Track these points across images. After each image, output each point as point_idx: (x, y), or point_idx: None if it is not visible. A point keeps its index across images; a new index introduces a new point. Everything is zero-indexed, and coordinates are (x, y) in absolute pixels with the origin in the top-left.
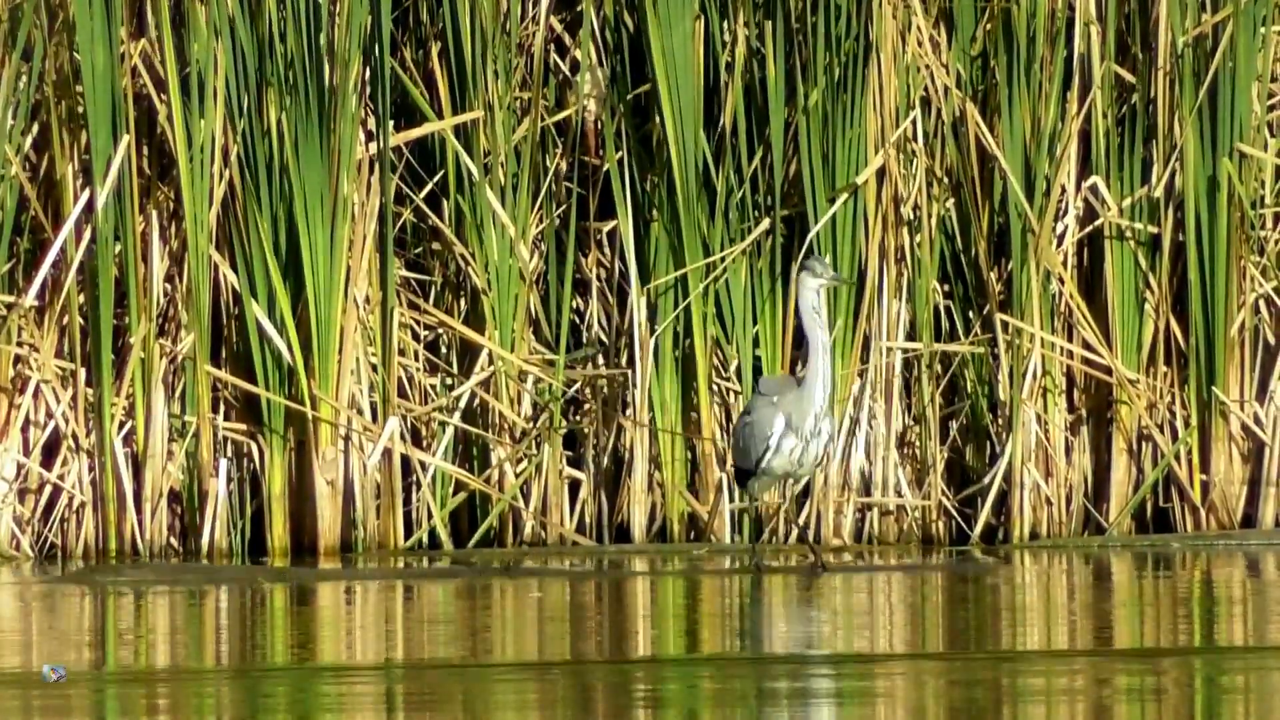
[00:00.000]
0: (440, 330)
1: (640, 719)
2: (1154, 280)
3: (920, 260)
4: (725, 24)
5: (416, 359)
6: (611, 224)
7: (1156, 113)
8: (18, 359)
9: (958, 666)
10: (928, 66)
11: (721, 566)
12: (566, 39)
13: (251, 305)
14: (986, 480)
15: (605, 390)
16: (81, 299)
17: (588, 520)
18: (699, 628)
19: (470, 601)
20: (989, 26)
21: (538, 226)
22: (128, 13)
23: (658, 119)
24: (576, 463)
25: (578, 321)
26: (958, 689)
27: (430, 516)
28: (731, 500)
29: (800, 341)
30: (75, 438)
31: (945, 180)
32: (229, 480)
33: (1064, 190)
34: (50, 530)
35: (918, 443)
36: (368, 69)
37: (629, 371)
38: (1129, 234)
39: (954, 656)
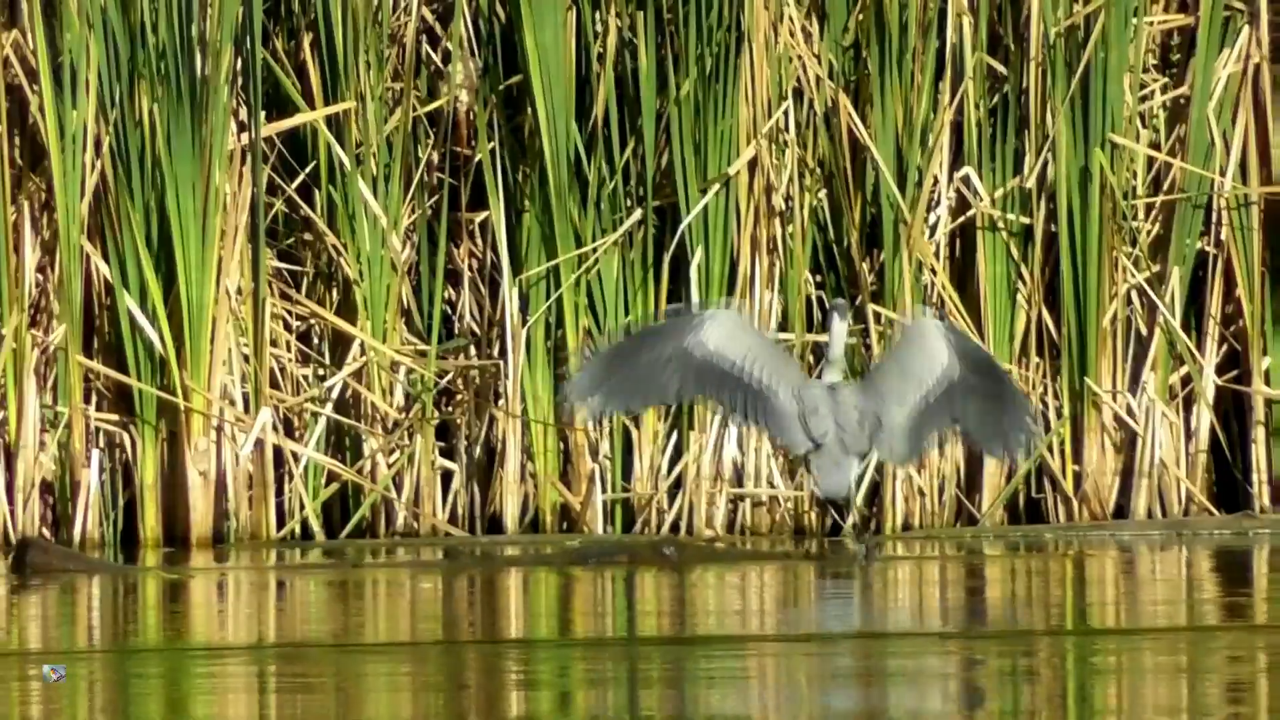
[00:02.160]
0: (312, 321)
1: (513, 700)
2: (1026, 271)
3: (792, 251)
4: (597, 15)
5: (288, 349)
6: (483, 214)
7: (1029, 103)
8: None
9: (829, 647)
10: (800, 57)
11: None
12: (438, 29)
13: (123, 296)
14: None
15: (477, 381)
16: None
17: (460, 511)
18: (572, 614)
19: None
20: (861, 17)
21: (410, 217)
22: None
23: (529, 110)
24: (449, 453)
25: (449, 312)
26: (831, 668)
27: (303, 507)
28: (604, 491)
29: None
30: None
31: (817, 171)
32: (101, 471)
33: (936, 181)
34: None
35: None
36: (239, 59)
37: (501, 362)
38: (1001, 224)
39: (825, 637)
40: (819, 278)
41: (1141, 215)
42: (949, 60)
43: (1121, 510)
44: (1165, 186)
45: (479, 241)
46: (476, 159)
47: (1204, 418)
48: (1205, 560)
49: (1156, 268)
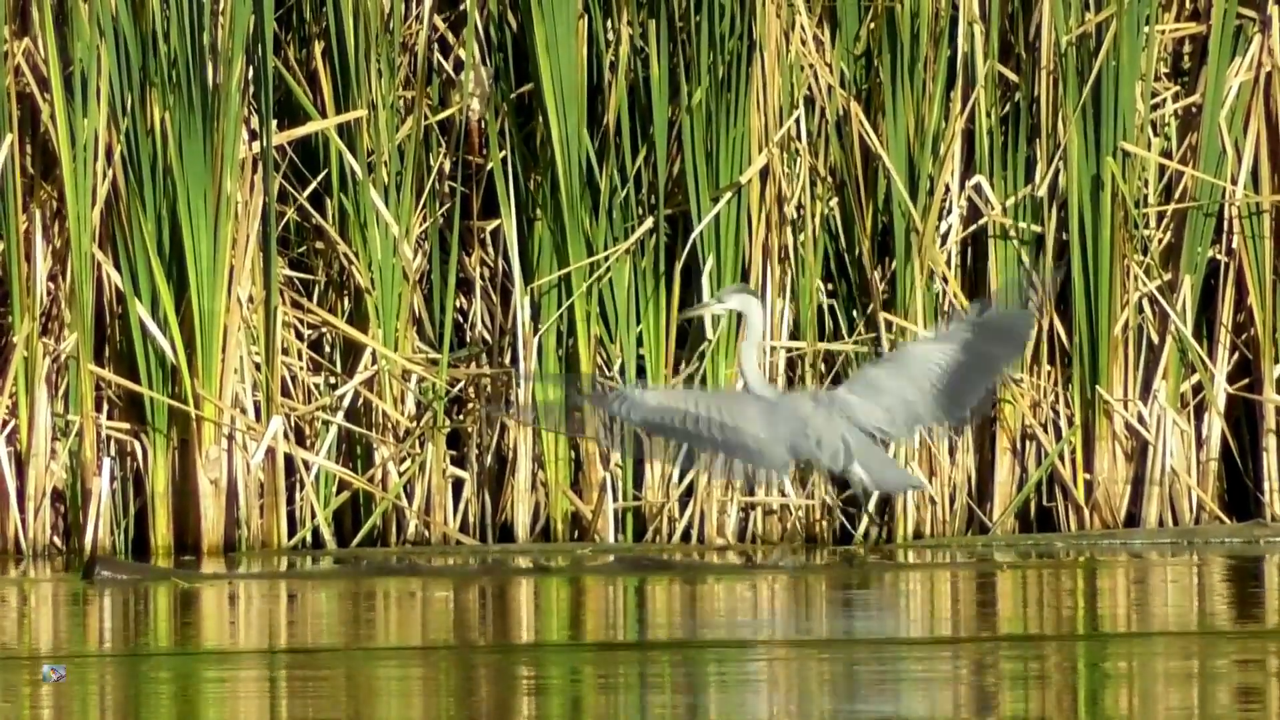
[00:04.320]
0: (324, 329)
1: (524, 705)
2: (1038, 279)
3: (804, 259)
4: (609, 23)
5: (300, 358)
6: (495, 223)
7: (1040, 112)
8: None
9: (842, 654)
10: (811, 66)
11: (606, 564)
12: (450, 38)
13: (135, 304)
14: None
15: (489, 389)
16: None
17: (471, 519)
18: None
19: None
20: (873, 26)
21: (421, 225)
22: (10, 11)
23: (541, 118)
24: (460, 462)
25: (461, 320)
26: (843, 673)
27: (314, 515)
28: (615, 500)
29: (683, 341)
30: None
31: (829, 179)
32: (113, 479)
33: (948, 189)
34: None
35: None
36: (251, 68)
37: (512, 370)
38: (1012, 233)
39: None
40: (830, 286)
41: (1153, 223)
42: (960, 69)
43: (1133, 518)
44: (1177, 195)
45: (490, 250)
46: (488, 167)
47: (1215, 426)
48: (1216, 568)
49: (1168, 276)
